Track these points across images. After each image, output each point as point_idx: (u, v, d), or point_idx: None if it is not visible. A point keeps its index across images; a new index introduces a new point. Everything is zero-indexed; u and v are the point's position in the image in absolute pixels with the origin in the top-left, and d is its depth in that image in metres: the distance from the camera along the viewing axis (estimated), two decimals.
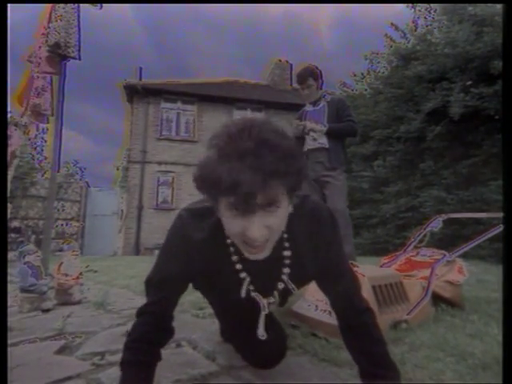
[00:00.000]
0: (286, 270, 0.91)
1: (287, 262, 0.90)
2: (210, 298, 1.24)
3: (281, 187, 0.69)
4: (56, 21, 3.33)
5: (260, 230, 0.70)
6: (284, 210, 0.74)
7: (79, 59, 3.54)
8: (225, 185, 0.65)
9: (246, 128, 0.69)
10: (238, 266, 0.90)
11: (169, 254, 0.91)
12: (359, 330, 0.92)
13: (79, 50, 3.53)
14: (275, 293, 0.94)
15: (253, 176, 0.65)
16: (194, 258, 0.87)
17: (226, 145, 0.69)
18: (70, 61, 3.57)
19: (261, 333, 0.95)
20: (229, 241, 0.86)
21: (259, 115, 11.23)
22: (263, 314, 0.95)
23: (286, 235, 0.88)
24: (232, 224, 0.73)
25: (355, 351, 0.92)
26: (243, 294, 0.92)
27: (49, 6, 3.43)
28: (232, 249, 0.88)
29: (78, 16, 3.53)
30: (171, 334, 0.93)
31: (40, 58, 3.31)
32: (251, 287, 0.92)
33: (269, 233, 0.73)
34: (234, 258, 0.89)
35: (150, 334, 0.87)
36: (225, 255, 0.89)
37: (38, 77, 3.26)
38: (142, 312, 0.91)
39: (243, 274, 0.90)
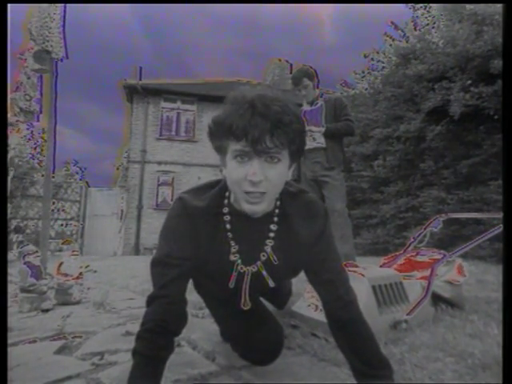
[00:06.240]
0: (270, 242, 0.95)
1: (272, 235, 0.94)
2: (201, 278, 1.12)
3: (284, 139, 0.77)
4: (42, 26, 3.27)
5: (260, 174, 0.77)
6: (284, 166, 0.81)
7: (67, 57, 3.51)
8: (236, 128, 0.75)
9: (258, 89, 0.81)
10: (229, 234, 0.94)
11: (173, 230, 0.92)
12: (347, 326, 0.92)
13: (66, 49, 3.49)
14: (259, 263, 0.97)
15: (261, 122, 0.74)
16: (196, 229, 0.90)
17: (239, 97, 0.79)
18: (66, 60, 3.54)
19: (245, 303, 0.99)
20: (226, 209, 0.91)
21: None
22: (247, 280, 0.99)
23: (277, 211, 0.93)
24: (236, 171, 0.79)
25: (345, 350, 0.92)
26: (230, 259, 0.95)
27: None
28: (227, 217, 0.92)
29: (64, 16, 3.50)
30: (185, 320, 0.91)
31: (23, 54, 3.25)
32: (237, 256, 0.96)
33: (267, 184, 0.79)
34: (228, 226, 0.93)
35: (164, 323, 0.84)
36: (220, 223, 0.93)
37: (19, 72, 3.22)
38: (154, 297, 0.88)
39: (232, 243, 0.94)
